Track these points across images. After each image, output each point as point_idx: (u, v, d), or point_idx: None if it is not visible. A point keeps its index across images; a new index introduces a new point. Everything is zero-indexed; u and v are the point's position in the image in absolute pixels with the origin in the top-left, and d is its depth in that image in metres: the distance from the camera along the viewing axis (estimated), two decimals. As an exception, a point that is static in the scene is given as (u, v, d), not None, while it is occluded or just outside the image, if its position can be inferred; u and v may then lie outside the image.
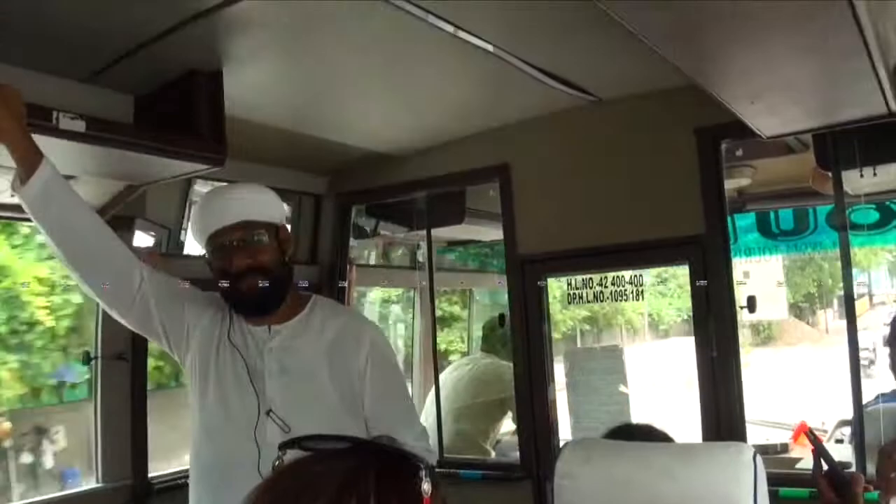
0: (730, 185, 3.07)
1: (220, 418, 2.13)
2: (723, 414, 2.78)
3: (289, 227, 2.33)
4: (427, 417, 3.94)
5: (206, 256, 2.21)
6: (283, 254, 2.20)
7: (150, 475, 2.94)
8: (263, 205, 2.19)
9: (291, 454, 0.87)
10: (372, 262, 4.69)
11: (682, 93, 2.56)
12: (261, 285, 2.12)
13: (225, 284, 2.15)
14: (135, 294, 2.09)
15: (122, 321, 2.17)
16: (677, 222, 2.88)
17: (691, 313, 2.89)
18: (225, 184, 2.43)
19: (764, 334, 15.96)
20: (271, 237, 2.17)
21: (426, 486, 0.84)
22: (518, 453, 3.29)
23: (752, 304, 2.87)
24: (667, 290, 14.22)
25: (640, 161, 2.96)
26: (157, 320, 2.16)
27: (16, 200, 1.91)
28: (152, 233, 3.09)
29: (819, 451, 1.78)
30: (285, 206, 2.31)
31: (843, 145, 2.55)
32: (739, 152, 3.12)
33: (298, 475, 0.84)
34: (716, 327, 2.80)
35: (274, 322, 2.20)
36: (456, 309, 6.14)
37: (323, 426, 2.11)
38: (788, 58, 1.75)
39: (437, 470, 2.67)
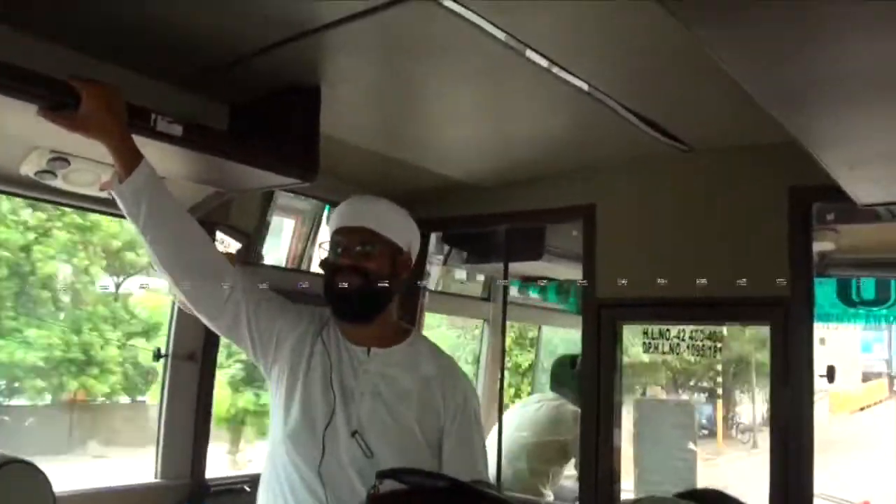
0: (814, 248, 2.98)
1: (304, 429, 2.13)
2: (791, 486, 2.67)
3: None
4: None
5: (323, 253, 2.26)
6: (392, 275, 2.22)
7: (207, 477, 2.97)
8: (390, 222, 2.23)
9: (388, 484, 0.86)
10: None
11: (777, 150, 2.51)
12: (356, 284, 2.15)
13: (326, 278, 2.20)
14: (226, 299, 2.11)
15: (211, 326, 2.20)
16: (761, 281, 2.79)
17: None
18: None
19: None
20: (386, 253, 2.20)
21: None
22: (577, 501, 3.22)
23: (831, 373, 2.77)
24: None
25: (728, 215, 2.90)
26: (245, 327, 2.17)
27: (103, 195, 1.95)
28: (232, 241, 3.15)
29: None
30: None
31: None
32: (831, 216, 3.02)
33: None
34: (792, 395, 2.70)
35: (374, 344, 2.21)
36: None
37: (405, 458, 2.10)
38: (892, 124, 1.69)
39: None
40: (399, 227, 2.24)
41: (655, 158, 3.00)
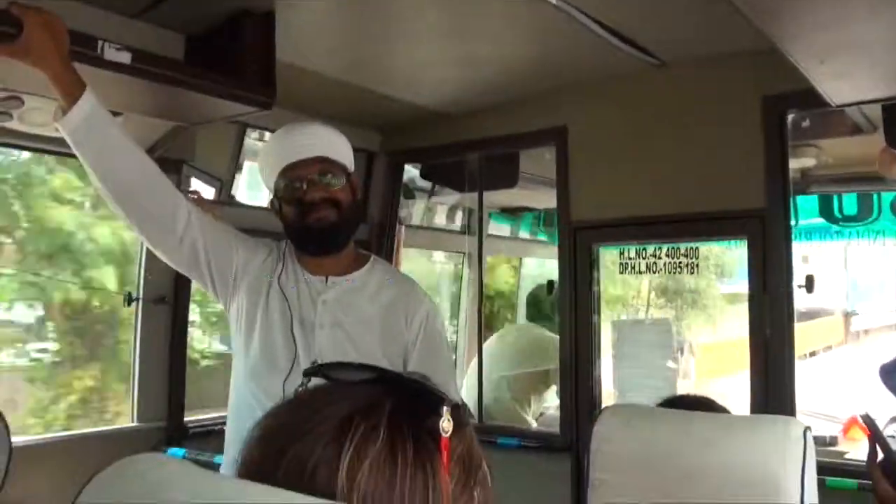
0: (794, 164, 2.94)
1: (266, 363, 2.09)
2: (772, 395, 2.67)
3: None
4: (469, 383, 3.90)
5: (275, 193, 2.17)
6: (354, 200, 2.18)
7: (185, 419, 2.95)
8: (341, 147, 2.17)
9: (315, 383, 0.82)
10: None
11: (749, 58, 2.50)
12: (332, 218, 2.09)
13: (293, 215, 2.12)
14: (181, 233, 2.04)
15: (169, 262, 2.12)
16: (738, 195, 2.76)
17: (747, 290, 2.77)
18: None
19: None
20: (345, 180, 2.15)
21: (446, 424, 0.76)
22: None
23: (810, 283, 2.74)
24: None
25: (702, 129, 2.85)
26: (204, 262, 2.11)
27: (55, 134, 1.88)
28: (203, 183, 3.10)
29: (876, 437, 1.67)
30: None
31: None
32: (806, 123, 2.97)
33: (310, 401, 0.78)
34: (771, 306, 2.69)
35: (332, 273, 2.17)
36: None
37: None
38: (863, 11, 1.63)
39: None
40: (345, 148, 2.18)
41: (626, 76, 2.93)
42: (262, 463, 0.75)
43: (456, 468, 0.76)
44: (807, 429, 1.38)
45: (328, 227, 2.11)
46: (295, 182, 2.11)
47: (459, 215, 4.76)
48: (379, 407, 0.75)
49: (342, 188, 2.13)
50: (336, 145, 2.15)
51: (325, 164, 2.11)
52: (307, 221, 2.10)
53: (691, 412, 1.54)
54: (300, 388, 0.82)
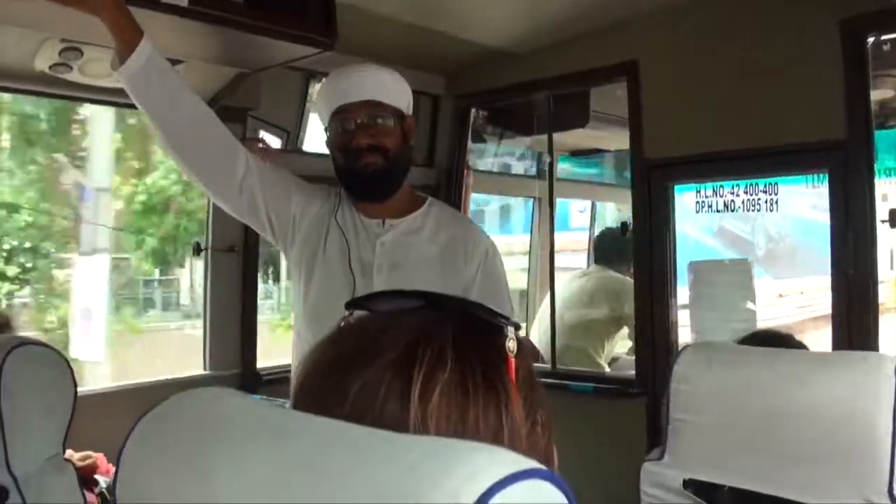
0: (873, 95, 2.77)
1: (325, 306, 2.08)
2: (855, 335, 2.56)
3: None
4: (540, 327, 3.86)
5: (328, 135, 2.16)
6: (405, 143, 2.15)
7: (258, 366, 2.98)
8: (393, 89, 2.13)
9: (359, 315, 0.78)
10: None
11: None
12: (379, 164, 2.07)
13: (341, 161, 2.11)
14: (240, 182, 2.04)
15: (228, 210, 2.14)
16: (817, 126, 2.62)
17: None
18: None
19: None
20: (396, 123, 2.11)
21: (511, 344, 0.72)
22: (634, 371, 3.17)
23: (893, 217, 2.60)
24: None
25: (778, 57, 2.70)
26: (263, 210, 2.12)
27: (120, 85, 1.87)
28: (271, 132, 3.09)
29: None
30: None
31: None
32: (887, 47, 2.78)
33: (365, 330, 0.75)
34: (855, 242, 2.57)
35: (389, 216, 2.15)
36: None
37: None
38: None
39: (548, 381, 2.58)
40: (400, 92, 2.15)
41: (696, 3, 2.80)
42: (323, 395, 0.71)
43: (521, 388, 0.72)
44: (899, 367, 1.30)
45: (376, 173, 2.09)
46: (344, 124, 2.09)
47: (529, 159, 4.69)
48: (442, 331, 0.71)
49: (391, 133, 2.10)
50: (388, 87, 2.11)
51: (375, 108, 2.08)
52: (355, 167, 2.09)
53: (776, 349, 1.47)
54: (342, 322, 0.78)
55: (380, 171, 2.08)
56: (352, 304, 0.79)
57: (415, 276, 2.10)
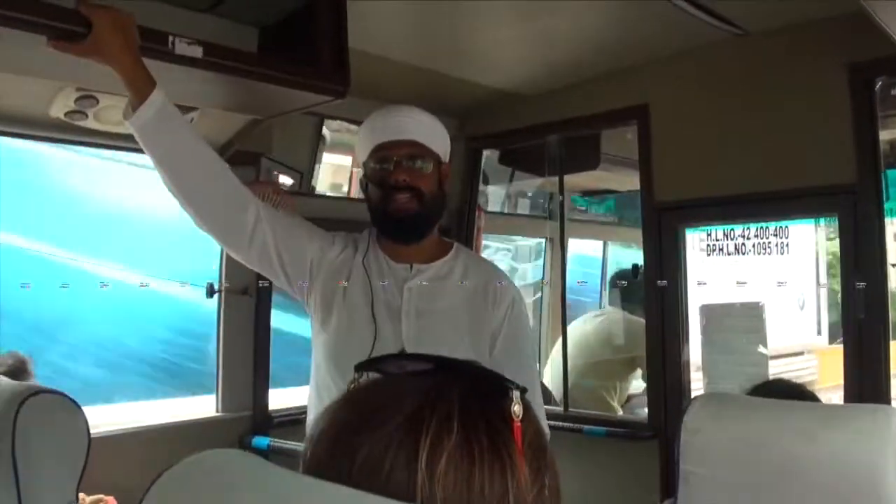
0: (883, 136, 2.79)
1: (345, 345, 2.08)
2: (866, 381, 2.54)
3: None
4: (553, 370, 3.85)
5: (364, 171, 2.16)
6: (440, 189, 2.15)
7: (270, 408, 2.98)
8: (434, 133, 2.14)
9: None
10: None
11: (834, 24, 2.40)
12: (413, 208, 2.07)
13: (376, 198, 2.10)
14: (250, 232, 2.03)
15: (240, 259, 2.12)
16: (826, 170, 2.63)
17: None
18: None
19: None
20: (434, 168, 2.12)
21: (517, 409, 0.73)
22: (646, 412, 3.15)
23: (904, 262, 2.59)
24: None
25: (787, 101, 2.72)
26: (276, 260, 2.10)
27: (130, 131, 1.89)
28: (284, 175, 3.12)
29: None
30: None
31: None
32: (895, 92, 2.80)
33: (376, 393, 0.75)
34: (865, 286, 2.55)
35: (416, 261, 2.14)
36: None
37: None
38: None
39: (560, 423, 2.57)
40: (439, 136, 2.15)
41: (707, 48, 2.83)
42: (332, 462, 0.72)
43: (527, 453, 0.73)
44: (906, 420, 1.29)
45: (409, 217, 2.08)
46: (383, 163, 2.09)
47: (541, 200, 4.70)
48: (448, 396, 0.72)
49: (428, 176, 2.09)
50: (429, 132, 2.12)
51: (416, 148, 2.08)
52: (389, 208, 2.08)
53: (786, 401, 1.46)
54: (353, 384, 0.79)
55: (413, 214, 2.07)
56: (362, 366, 0.80)
57: (442, 322, 2.09)
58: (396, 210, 2.07)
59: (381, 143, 2.09)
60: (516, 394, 0.74)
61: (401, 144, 2.08)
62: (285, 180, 3.16)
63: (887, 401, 2.49)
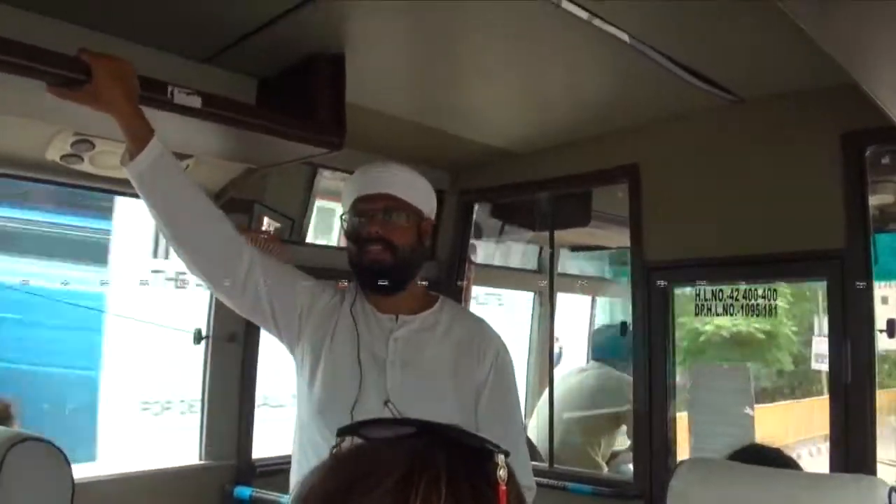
0: (872, 201, 2.83)
1: (331, 396, 2.07)
2: (853, 446, 2.54)
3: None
4: (538, 425, 3.83)
5: (343, 225, 2.18)
6: (418, 243, 2.16)
7: (254, 457, 2.96)
8: (414, 187, 2.15)
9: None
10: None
11: (828, 94, 2.44)
12: (386, 260, 2.08)
13: (353, 250, 2.12)
14: (243, 279, 2.05)
15: (233, 306, 2.14)
16: (816, 235, 2.67)
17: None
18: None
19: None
20: (411, 222, 2.13)
21: (502, 473, 0.75)
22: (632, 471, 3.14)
23: (891, 327, 2.61)
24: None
25: (779, 167, 2.76)
26: (267, 306, 2.11)
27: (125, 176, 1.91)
28: (276, 223, 3.13)
29: None
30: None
31: None
32: (885, 160, 2.85)
33: (361, 458, 0.76)
34: (851, 352, 2.57)
35: (402, 312, 2.15)
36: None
37: None
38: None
39: (545, 481, 2.55)
40: (420, 192, 2.16)
41: (700, 112, 2.87)
42: None
43: None
44: (892, 490, 1.30)
45: (383, 268, 2.09)
46: (360, 216, 2.11)
47: (531, 253, 4.72)
48: (434, 460, 0.73)
49: (403, 229, 2.11)
50: (407, 186, 2.14)
51: (391, 202, 2.10)
52: (363, 260, 2.10)
53: (771, 469, 1.47)
54: (334, 450, 0.80)
55: (386, 266, 2.09)
56: (345, 431, 0.81)
57: (427, 374, 2.10)
58: (370, 261, 2.09)
59: (359, 196, 2.12)
60: (501, 458, 0.76)
61: (376, 198, 2.10)
62: (276, 226, 3.17)
63: (873, 469, 2.49)
